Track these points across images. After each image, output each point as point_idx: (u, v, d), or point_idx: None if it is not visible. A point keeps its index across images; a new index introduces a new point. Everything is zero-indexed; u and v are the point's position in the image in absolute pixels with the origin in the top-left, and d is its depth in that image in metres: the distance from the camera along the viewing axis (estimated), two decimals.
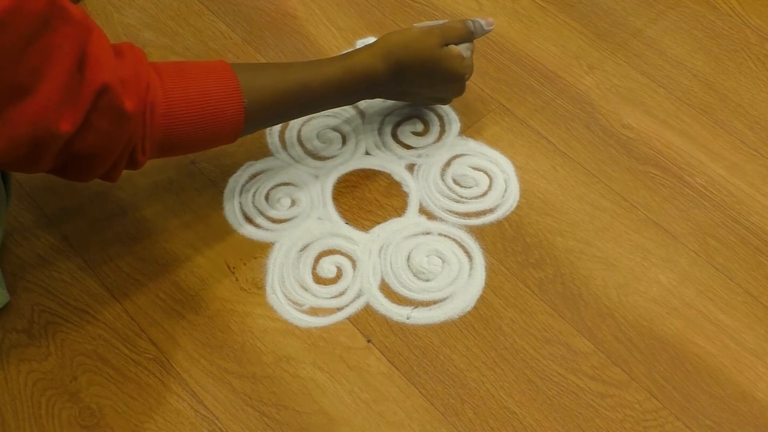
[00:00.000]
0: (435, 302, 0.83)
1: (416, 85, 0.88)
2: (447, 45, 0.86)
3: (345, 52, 0.87)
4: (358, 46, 1.03)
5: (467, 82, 0.91)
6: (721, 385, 0.78)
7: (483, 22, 0.90)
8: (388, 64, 0.84)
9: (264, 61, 1.02)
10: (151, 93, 0.70)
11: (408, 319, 0.82)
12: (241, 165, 0.92)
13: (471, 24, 0.88)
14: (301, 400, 0.77)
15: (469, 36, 0.88)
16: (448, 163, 0.93)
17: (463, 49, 0.87)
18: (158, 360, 0.79)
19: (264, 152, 0.93)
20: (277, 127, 0.95)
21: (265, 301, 0.83)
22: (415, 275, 0.84)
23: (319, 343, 0.80)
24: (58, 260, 0.85)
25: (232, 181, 0.91)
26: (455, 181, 0.91)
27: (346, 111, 0.97)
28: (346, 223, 0.88)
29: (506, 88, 1.00)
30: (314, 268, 0.85)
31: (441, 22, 0.89)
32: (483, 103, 0.98)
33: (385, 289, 0.84)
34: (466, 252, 0.86)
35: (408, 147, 0.94)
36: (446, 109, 0.97)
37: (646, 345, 0.80)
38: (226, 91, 0.75)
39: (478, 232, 0.88)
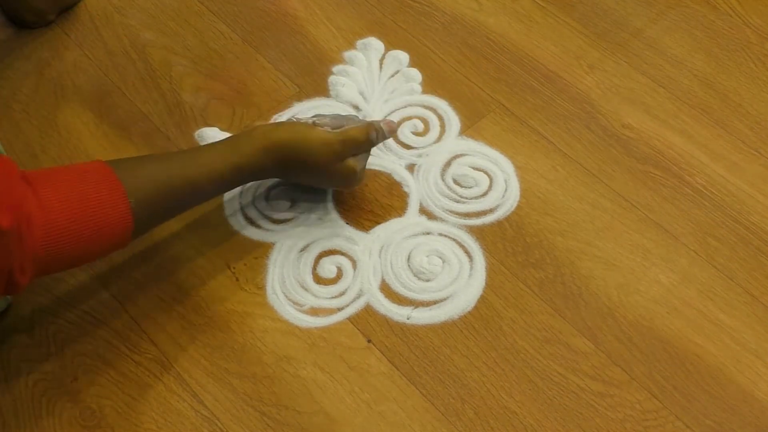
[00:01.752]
0: (435, 302, 0.83)
1: (301, 180, 0.86)
2: (344, 159, 0.81)
3: (231, 139, 0.80)
4: (357, 47, 1.03)
5: None
6: (722, 385, 0.78)
7: (386, 130, 0.84)
8: (277, 163, 0.80)
9: (265, 60, 1.02)
10: (26, 205, 0.63)
11: (408, 319, 0.82)
12: None
13: (374, 136, 0.83)
14: (302, 401, 0.77)
15: (369, 147, 0.84)
16: (448, 163, 0.93)
17: (359, 160, 0.83)
18: (159, 360, 0.79)
19: None
20: None
21: (266, 302, 0.83)
22: (415, 275, 0.84)
23: (320, 344, 0.80)
24: None
25: None
26: (455, 181, 0.91)
27: (347, 111, 0.97)
28: (347, 224, 0.88)
29: (506, 88, 1.00)
30: (314, 268, 0.85)
31: (345, 118, 0.84)
32: (483, 103, 0.98)
33: (386, 289, 0.84)
34: (467, 252, 0.86)
35: (408, 147, 0.94)
36: (446, 109, 0.97)
37: (646, 345, 0.80)
38: (108, 192, 0.69)
39: (478, 232, 0.88)
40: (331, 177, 0.83)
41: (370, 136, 0.82)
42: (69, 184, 0.67)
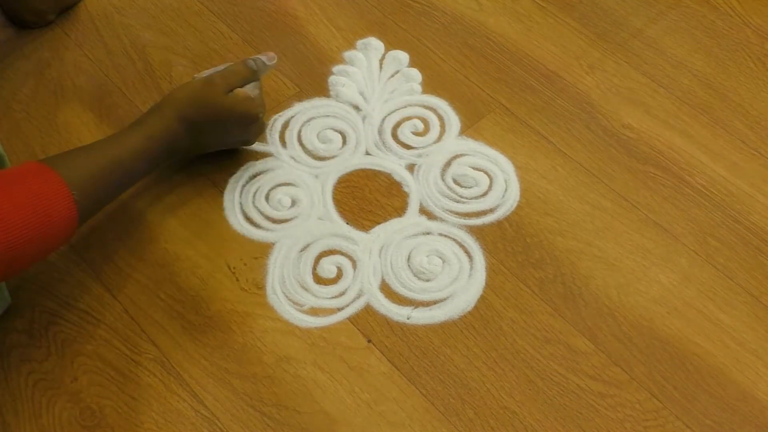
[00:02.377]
0: (435, 302, 0.83)
1: (213, 135, 0.88)
2: (231, 90, 0.85)
3: (139, 118, 0.84)
4: (357, 47, 1.03)
5: (266, 119, 0.93)
6: (722, 385, 0.78)
7: (264, 58, 0.89)
8: (180, 123, 0.84)
9: None
10: None
11: (408, 319, 0.82)
12: (242, 165, 0.92)
13: (252, 63, 0.88)
14: (302, 401, 0.77)
15: (252, 75, 0.87)
16: (448, 163, 0.93)
17: (249, 89, 0.87)
18: (159, 360, 0.79)
19: (264, 152, 0.93)
20: (277, 127, 0.95)
21: (266, 302, 0.83)
22: (415, 275, 0.84)
23: (320, 344, 0.80)
24: (59, 261, 0.84)
25: (232, 181, 0.91)
26: (455, 181, 0.91)
27: (347, 111, 0.97)
28: (347, 223, 0.88)
29: (506, 88, 1.00)
30: (314, 268, 0.85)
31: (222, 66, 0.88)
32: (483, 103, 0.98)
33: (386, 289, 0.84)
34: (467, 252, 0.86)
35: (408, 147, 0.94)
36: (446, 109, 0.98)
37: (646, 345, 0.80)
38: (52, 189, 0.71)
39: (478, 232, 0.88)
40: (231, 113, 0.85)
41: (247, 64, 0.88)
42: (13, 187, 0.69)
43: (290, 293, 0.83)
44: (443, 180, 0.91)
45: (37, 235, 0.69)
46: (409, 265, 0.85)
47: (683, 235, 0.88)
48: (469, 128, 0.96)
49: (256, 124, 0.89)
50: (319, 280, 0.84)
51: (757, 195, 0.91)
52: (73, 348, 0.79)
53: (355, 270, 0.85)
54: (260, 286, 0.84)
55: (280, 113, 0.97)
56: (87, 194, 0.75)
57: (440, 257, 0.86)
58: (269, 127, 0.95)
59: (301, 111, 0.97)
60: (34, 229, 0.68)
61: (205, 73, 0.88)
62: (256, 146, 0.93)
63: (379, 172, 0.92)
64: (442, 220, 0.88)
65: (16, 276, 0.79)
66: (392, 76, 1.01)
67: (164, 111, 0.84)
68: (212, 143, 0.89)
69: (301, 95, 0.99)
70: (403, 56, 1.03)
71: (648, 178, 0.92)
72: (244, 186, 0.91)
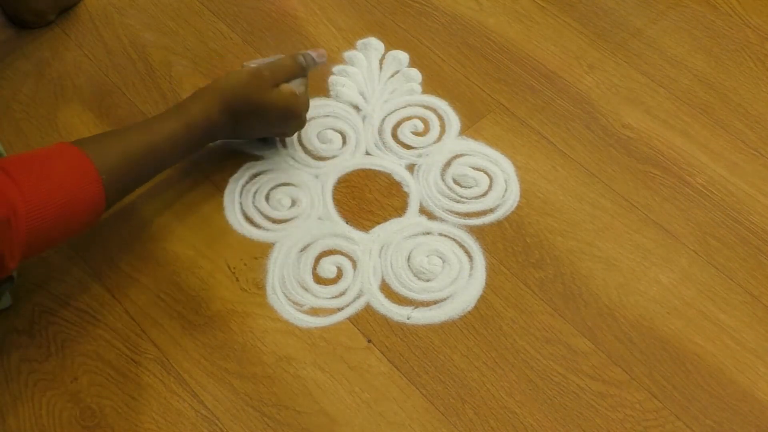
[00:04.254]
0: (435, 302, 0.83)
1: (254, 126, 0.88)
2: (278, 84, 0.85)
3: (178, 103, 0.84)
4: (357, 47, 1.03)
5: (307, 116, 0.92)
6: (722, 385, 0.78)
7: (314, 55, 0.90)
8: (222, 112, 0.84)
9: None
10: (10, 193, 0.65)
11: (408, 319, 0.82)
12: (242, 165, 0.92)
13: (302, 59, 0.88)
14: (302, 401, 0.77)
15: (300, 71, 0.88)
16: (448, 163, 0.93)
17: (295, 85, 0.87)
18: (159, 360, 0.79)
19: (261, 154, 0.93)
20: None
21: (266, 302, 0.83)
22: (415, 275, 0.84)
23: (320, 344, 0.80)
24: (59, 261, 0.84)
25: (232, 181, 0.91)
26: (455, 181, 0.91)
27: (346, 111, 0.97)
28: (347, 224, 0.88)
29: (506, 88, 1.00)
30: (315, 268, 0.85)
31: (273, 58, 0.88)
32: (483, 103, 0.98)
33: (386, 289, 0.84)
34: (467, 252, 0.86)
35: (408, 147, 0.94)
36: (446, 109, 0.98)
37: (646, 345, 0.80)
38: (80, 172, 0.72)
39: (478, 232, 0.88)
40: (274, 108, 0.86)
41: (297, 60, 0.88)
42: (43, 169, 0.70)
43: (290, 293, 0.83)
44: (443, 180, 0.91)
45: (61, 217, 0.70)
46: (409, 265, 0.85)
47: (683, 235, 0.88)
48: (469, 128, 0.96)
49: (297, 120, 0.90)
50: (319, 280, 0.84)
51: (757, 195, 0.91)
52: (73, 348, 0.79)
53: (355, 270, 0.85)
54: (260, 286, 0.84)
55: None
56: (117, 178, 0.75)
57: (440, 257, 0.86)
58: None
59: None
60: (59, 211, 0.69)
61: (255, 62, 0.88)
62: (256, 146, 0.93)
63: (379, 172, 0.92)
64: (442, 220, 0.88)
65: (25, 263, 0.79)
66: (392, 76, 1.01)
67: (207, 98, 0.83)
68: (251, 134, 0.90)
69: None
70: (403, 56, 1.03)
71: (648, 178, 0.92)
72: (244, 186, 0.91)
